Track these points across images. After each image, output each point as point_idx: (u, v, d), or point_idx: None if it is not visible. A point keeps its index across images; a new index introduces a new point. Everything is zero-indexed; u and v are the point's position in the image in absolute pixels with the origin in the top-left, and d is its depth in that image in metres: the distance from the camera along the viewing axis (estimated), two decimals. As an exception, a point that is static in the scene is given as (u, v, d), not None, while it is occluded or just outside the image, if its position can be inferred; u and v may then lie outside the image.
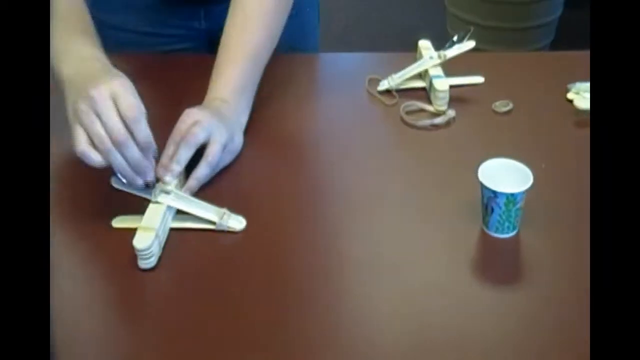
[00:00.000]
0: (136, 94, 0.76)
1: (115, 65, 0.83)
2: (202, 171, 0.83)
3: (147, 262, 0.75)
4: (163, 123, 0.86)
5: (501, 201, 0.75)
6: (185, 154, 0.82)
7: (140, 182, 0.78)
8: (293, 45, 1.05)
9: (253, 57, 0.92)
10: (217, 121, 0.85)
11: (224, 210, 0.80)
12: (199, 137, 0.82)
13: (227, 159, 0.88)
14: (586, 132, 0.93)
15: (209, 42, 1.13)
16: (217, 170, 0.87)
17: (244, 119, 0.92)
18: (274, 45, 0.94)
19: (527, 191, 0.75)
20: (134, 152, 0.75)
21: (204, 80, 0.92)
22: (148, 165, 0.78)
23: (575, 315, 0.70)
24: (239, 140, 0.90)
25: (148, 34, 1.11)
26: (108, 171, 0.78)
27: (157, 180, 0.80)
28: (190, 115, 0.85)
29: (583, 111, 0.95)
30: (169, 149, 0.83)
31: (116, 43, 1.08)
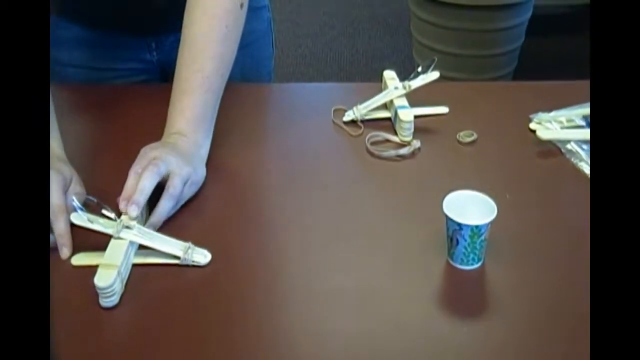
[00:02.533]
0: (60, 191, 0.79)
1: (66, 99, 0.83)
2: (164, 205, 0.82)
3: (109, 301, 0.73)
4: (120, 154, 0.85)
5: (466, 233, 0.75)
6: (149, 184, 0.81)
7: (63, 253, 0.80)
8: (246, 76, 1.05)
9: (206, 86, 0.90)
10: (175, 156, 0.84)
11: (189, 244, 0.79)
12: (160, 168, 0.82)
13: (191, 191, 0.87)
14: (549, 162, 0.95)
15: (162, 74, 1.13)
16: (181, 204, 0.86)
17: (204, 151, 0.91)
18: (228, 71, 0.93)
19: (492, 223, 0.76)
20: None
21: (158, 109, 0.91)
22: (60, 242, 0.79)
23: (542, 344, 0.70)
24: (201, 172, 0.89)
25: (99, 69, 1.10)
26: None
27: (120, 214, 0.79)
28: (149, 153, 0.84)
29: (545, 141, 0.97)
30: (130, 182, 0.81)
31: (67, 79, 1.07)
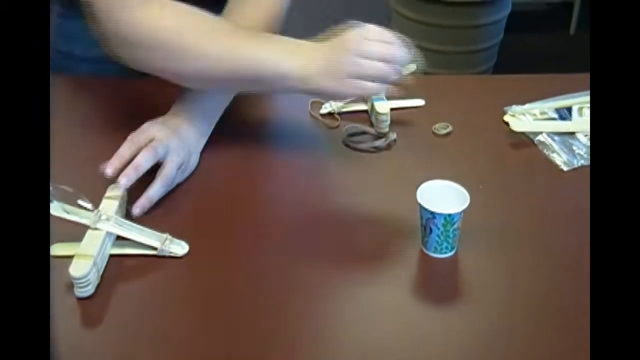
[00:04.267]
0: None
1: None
2: (155, 190, 0.82)
3: (84, 291, 0.73)
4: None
5: (439, 222, 0.76)
6: (145, 164, 0.81)
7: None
8: None
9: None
10: (176, 140, 0.85)
11: (166, 235, 0.79)
12: (158, 152, 0.83)
13: (182, 177, 0.88)
14: (521, 153, 0.97)
15: None
16: (170, 188, 0.86)
17: (203, 141, 0.92)
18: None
19: (464, 212, 0.77)
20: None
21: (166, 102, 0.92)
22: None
23: (514, 330, 0.71)
24: (194, 160, 0.90)
25: (110, 62, 1.10)
26: (44, 197, 0.76)
27: (97, 206, 0.79)
28: (150, 130, 0.84)
29: (518, 133, 0.98)
30: (124, 149, 0.82)
31: (95, 75, 1.07)
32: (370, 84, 0.82)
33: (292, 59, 0.83)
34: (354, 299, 0.75)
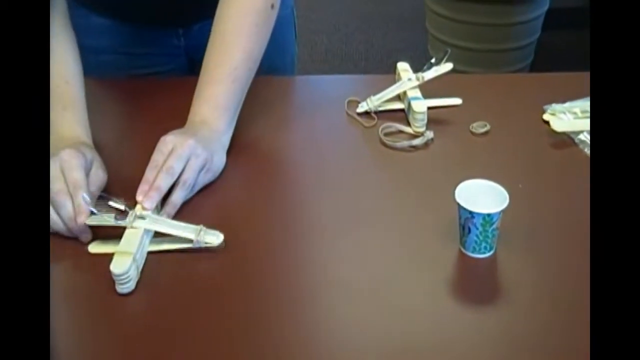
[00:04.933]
0: (81, 169, 0.81)
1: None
2: (177, 196, 0.84)
3: (125, 287, 0.74)
4: (149, 147, 0.86)
5: (478, 221, 0.75)
6: (165, 183, 0.83)
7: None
8: (270, 60, 1.07)
9: (233, 77, 0.92)
10: (194, 145, 0.85)
11: (200, 226, 0.80)
12: (175, 168, 0.84)
13: (206, 178, 0.88)
14: (562, 153, 0.95)
15: (189, 61, 1.14)
16: (195, 190, 0.87)
17: (225, 139, 0.92)
18: (255, 66, 0.95)
19: (503, 211, 0.76)
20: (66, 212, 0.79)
21: (186, 102, 0.93)
22: (81, 229, 0.80)
23: (554, 333, 0.70)
24: (219, 160, 0.90)
25: (128, 55, 1.12)
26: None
27: (131, 205, 0.80)
28: (167, 144, 0.86)
29: (559, 133, 0.96)
30: (148, 176, 0.83)
31: (96, 66, 1.09)
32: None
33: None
34: (390, 299, 0.75)
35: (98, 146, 0.91)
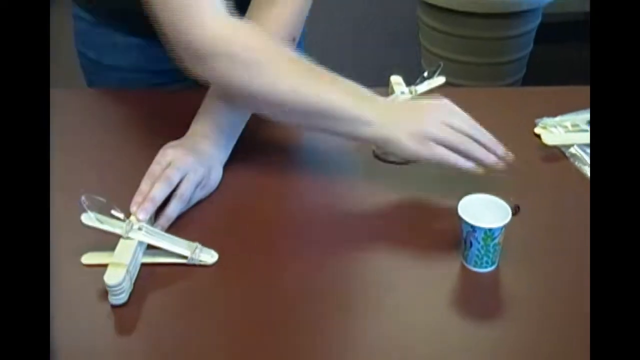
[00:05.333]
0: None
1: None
2: (172, 209, 0.84)
3: (118, 298, 0.74)
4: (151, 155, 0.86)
5: (479, 236, 0.76)
6: (160, 194, 0.83)
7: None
8: None
9: None
10: (192, 159, 0.86)
11: (196, 244, 0.80)
12: (172, 179, 0.84)
13: (202, 194, 0.89)
14: (553, 166, 0.96)
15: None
16: (190, 205, 0.87)
17: (224, 155, 0.93)
18: None
19: (506, 227, 0.76)
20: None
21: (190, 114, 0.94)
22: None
23: (555, 348, 0.70)
24: (216, 175, 0.90)
25: (151, 72, 1.11)
26: (77, 207, 0.78)
27: (128, 216, 0.80)
28: (165, 156, 0.86)
29: (550, 146, 0.97)
30: (143, 187, 0.83)
31: (118, 82, 1.09)
32: (455, 155, 0.83)
33: (372, 104, 0.85)
34: (391, 312, 0.75)
35: (102, 156, 0.91)
